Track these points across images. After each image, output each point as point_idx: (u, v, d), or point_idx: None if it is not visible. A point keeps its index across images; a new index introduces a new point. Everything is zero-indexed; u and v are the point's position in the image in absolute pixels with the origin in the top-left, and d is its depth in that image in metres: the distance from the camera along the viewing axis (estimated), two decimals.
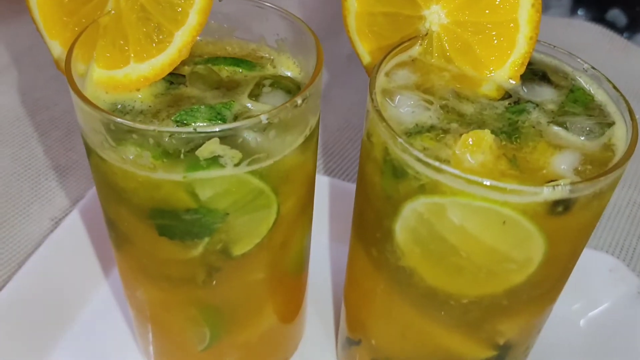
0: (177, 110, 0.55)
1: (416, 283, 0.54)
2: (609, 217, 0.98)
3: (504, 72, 0.55)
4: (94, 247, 0.83)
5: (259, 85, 0.58)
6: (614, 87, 0.53)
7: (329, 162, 1.06)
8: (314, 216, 0.67)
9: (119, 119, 0.47)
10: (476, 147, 0.47)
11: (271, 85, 0.58)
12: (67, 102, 1.13)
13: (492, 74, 0.55)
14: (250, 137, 0.49)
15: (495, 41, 0.54)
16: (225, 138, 0.47)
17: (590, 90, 0.55)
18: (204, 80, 0.58)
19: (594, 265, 0.84)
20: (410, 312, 0.57)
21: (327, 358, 0.77)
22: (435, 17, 0.56)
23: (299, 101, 0.50)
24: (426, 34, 0.56)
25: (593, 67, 0.55)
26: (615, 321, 0.81)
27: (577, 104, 0.54)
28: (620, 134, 0.51)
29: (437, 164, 0.45)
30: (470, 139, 0.48)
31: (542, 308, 0.57)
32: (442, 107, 0.52)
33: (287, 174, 0.54)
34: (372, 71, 0.53)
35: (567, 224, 0.47)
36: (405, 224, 0.51)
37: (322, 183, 0.89)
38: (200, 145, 0.47)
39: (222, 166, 0.49)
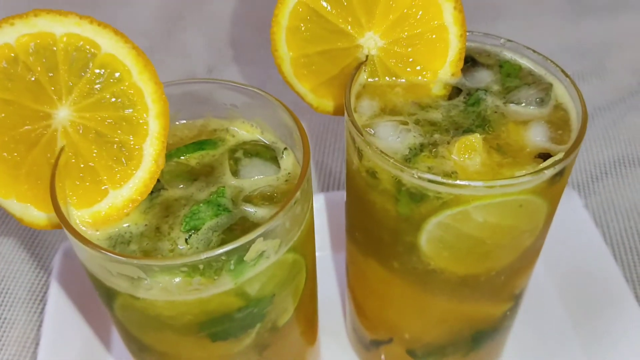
0: (174, 218, 0.54)
1: (447, 278, 0.59)
2: None
3: (446, 70, 0.60)
4: None
5: (234, 161, 0.58)
6: (534, 51, 0.62)
7: None
8: None
9: (167, 262, 0.46)
10: (472, 151, 0.53)
11: (245, 156, 0.58)
12: None
13: (437, 76, 0.60)
14: (282, 224, 0.50)
15: (431, 47, 0.59)
16: (266, 235, 0.48)
17: (515, 59, 0.63)
18: (180, 177, 0.58)
19: None
20: (442, 300, 0.63)
21: None
22: (372, 43, 0.59)
23: (298, 195, 0.50)
24: (366, 60, 0.60)
25: (509, 40, 0.63)
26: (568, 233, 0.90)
27: (511, 76, 0.61)
28: (561, 92, 0.59)
29: (460, 182, 0.50)
30: (464, 146, 0.53)
31: (539, 254, 0.66)
32: (416, 122, 0.57)
33: (307, 236, 0.56)
34: (346, 116, 0.56)
35: (561, 185, 0.55)
36: (431, 235, 0.56)
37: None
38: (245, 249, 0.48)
39: (267, 257, 0.50)
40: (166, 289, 0.48)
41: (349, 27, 0.59)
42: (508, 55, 0.63)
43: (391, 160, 0.52)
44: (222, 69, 1.31)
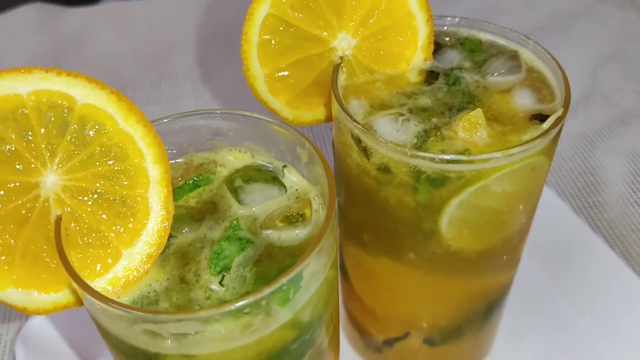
0: (196, 264, 0.50)
1: (467, 256, 0.60)
2: None
3: (419, 56, 0.61)
4: None
5: (235, 192, 0.55)
6: (488, 23, 0.64)
7: None
8: None
9: (233, 306, 0.42)
10: (478, 126, 0.54)
11: (245, 183, 0.55)
12: None
13: (411, 63, 0.61)
14: (327, 239, 0.47)
15: (401, 36, 0.60)
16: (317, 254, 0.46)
17: (473, 35, 0.65)
18: (185, 221, 0.53)
19: None
20: (460, 279, 0.64)
21: None
22: (345, 43, 0.59)
23: (336, 206, 0.49)
24: (341, 61, 0.59)
25: (463, 17, 0.65)
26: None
27: (475, 51, 0.63)
28: (527, 56, 0.62)
29: (483, 156, 0.50)
30: (468, 123, 0.54)
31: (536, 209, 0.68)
32: (410, 111, 0.57)
33: (335, 248, 0.54)
34: (343, 120, 0.55)
35: (557, 139, 0.58)
36: (452, 217, 0.56)
37: None
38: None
39: (317, 278, 0.48)
40: (226, 337, 0.44)
41: (322, 31, 0.57)
42: (465, 32, 0.65)
43: (409, 151, 0.51)
44: None
